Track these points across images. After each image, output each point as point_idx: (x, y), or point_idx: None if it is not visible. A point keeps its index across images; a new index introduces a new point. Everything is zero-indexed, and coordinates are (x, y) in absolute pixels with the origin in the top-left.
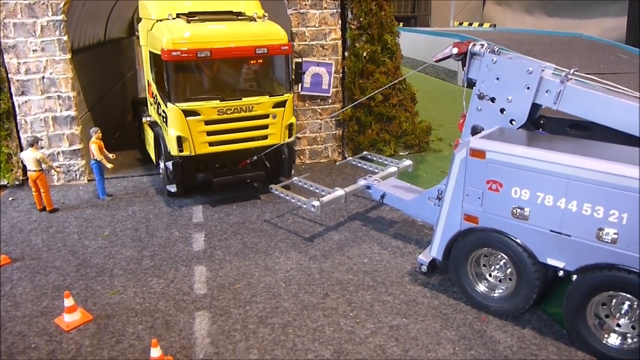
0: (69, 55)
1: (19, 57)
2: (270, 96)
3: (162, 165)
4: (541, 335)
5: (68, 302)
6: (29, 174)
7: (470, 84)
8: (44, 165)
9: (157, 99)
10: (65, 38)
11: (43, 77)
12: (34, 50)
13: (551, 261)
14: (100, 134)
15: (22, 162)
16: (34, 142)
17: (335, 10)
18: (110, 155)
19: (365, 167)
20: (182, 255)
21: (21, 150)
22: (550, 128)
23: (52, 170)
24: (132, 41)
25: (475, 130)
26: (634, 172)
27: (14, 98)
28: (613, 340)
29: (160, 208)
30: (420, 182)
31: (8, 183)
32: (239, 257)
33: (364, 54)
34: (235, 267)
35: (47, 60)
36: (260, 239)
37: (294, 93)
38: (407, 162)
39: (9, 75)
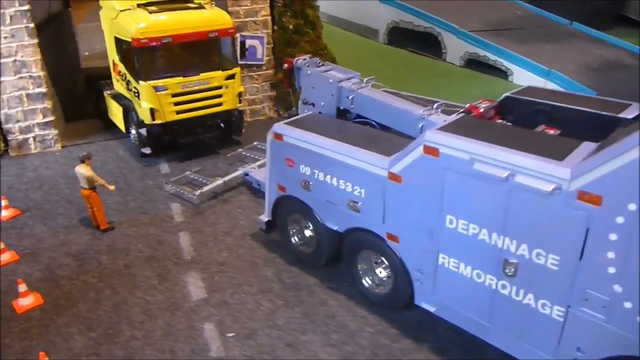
0: (36, 40)
1: None
2: (222, 70)
3: (133, 132)
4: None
5: None
6: (81, 190)
7: None
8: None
9: (125, 77)
10: (32, 25)
11: (15, 60)
12: (5, 37)
13: (330, 225)
14: None
15: (3, 134)
16: (85, 159)
17: None
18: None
19: (252, 156)
20: (159, 197)
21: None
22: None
23: (102, 186)
24: (69, 13)
25: (290, 115)
26: (373, 159)
27: None
28: (367, 283)
29: (131, 165)
30: None
31: None
32: (204, 195)
33: (290, 27)
34: (203, 204)
35: (17, 45)
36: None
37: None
38: None
39: None
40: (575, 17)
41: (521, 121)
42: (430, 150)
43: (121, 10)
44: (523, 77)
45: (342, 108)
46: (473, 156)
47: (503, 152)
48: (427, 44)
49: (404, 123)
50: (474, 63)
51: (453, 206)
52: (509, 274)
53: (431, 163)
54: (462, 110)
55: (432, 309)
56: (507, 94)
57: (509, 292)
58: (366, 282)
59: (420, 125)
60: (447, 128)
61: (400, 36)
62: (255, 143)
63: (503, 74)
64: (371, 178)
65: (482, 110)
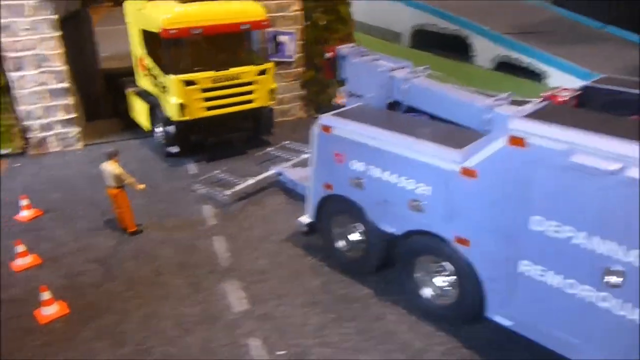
0: (58, 33)
1: (12, 36)
2: (254, 65)
3: (158, 130)
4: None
5: None
6: (107, 189)
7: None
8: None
9: (152, 72)
10: (54, 17)
11: (35, 54)
12: (27, 29)
13: (384, 227)
14: None
15: (22, 131)
16: (113, 155)
17: None
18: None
19: (283, 156)
20: (188, 199)
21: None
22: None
23: (131, 185)
24: (88, 13)
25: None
26: (441, 151)
27: (10, 74)
28: (426, 293)
29: (156, 165)
30: None
31: (11, 150)
32: (235, 195)
33: (322, 23)
34: (236, 206)
35: (38, 38)
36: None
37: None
38: None
39: (4, 53)
40: (607, 20)
41: (604, 112)
42: (517, 141)
43: (148, 1)
44: (561, 80)
45: (391, 100)
46: (572, 146)
47: (611, 140)
48: (453, 47)
49: (467, 116)
50: (505, 66)
51: (542, 205)
52: (612, 284)
53: (516, 155)
54: (541, 99)
55: (507, 324)
56: (586, 83)
57: (611, 305)
58: (425, 292)
59: (487, 117)
60: (536, 116)
61: (424, 39)
62: (284, 142)
63: (537, 77)
64: (439, 174)
65: (565, 98)
